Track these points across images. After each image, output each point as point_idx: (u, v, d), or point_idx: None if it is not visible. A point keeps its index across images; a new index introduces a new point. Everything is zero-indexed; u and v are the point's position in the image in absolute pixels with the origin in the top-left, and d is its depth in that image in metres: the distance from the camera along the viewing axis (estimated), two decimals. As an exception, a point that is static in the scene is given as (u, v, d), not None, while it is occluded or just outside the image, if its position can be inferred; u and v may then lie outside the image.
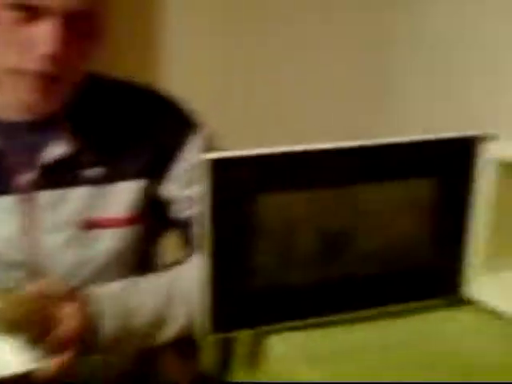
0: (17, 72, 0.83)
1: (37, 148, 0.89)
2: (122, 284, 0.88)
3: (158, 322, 0.87)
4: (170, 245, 1.06)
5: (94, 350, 0.83)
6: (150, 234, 0.99)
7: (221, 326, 0.74)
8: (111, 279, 0.89)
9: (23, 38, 0.81)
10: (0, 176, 0.88)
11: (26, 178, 0.88)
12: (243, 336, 0.78)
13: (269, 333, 0.77)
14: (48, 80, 0.83)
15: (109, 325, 0.83)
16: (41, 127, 0.89)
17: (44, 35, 0.80)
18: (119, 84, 0.98)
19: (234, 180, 0.71)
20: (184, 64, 1.75)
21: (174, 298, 0.88)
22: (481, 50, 1.35)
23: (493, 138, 0.80)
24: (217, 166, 0.69)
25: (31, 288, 0.80)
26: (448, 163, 0.80)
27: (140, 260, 0.97)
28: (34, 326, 0.76)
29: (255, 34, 1.78)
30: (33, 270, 0.89)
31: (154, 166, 0.94)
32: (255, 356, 0.78)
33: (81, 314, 0.80)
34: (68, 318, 0.79)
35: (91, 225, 0.91)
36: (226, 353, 0.85)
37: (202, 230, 0.70)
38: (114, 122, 0.94)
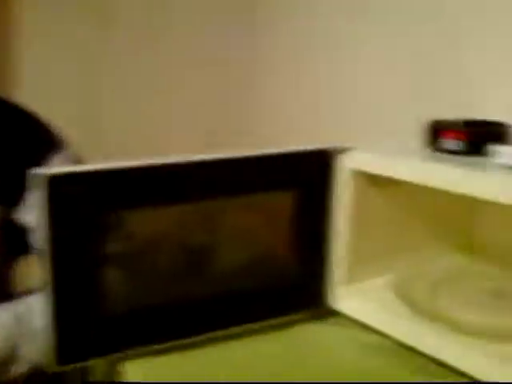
0: None
1: None
2: None
3: (6, 360, 0.81)
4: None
5: None
6: (5, 260, 0.92)
7: (71, 357, 0.70)
8: None
9: None
10: None
11: None
12: (97, 365, 0.73)
13: (125, 359, 0.73)
14: None
15: None
16: None
17: None
18: None
19: (74, 198, 0.65)
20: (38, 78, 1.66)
21: (23, 336, 0.82)
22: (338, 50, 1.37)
23: (348, 149, 0.80)
24: (54, 182, 0.62)
25: None
26: (307, 175, 0.80)
27: None
28: None
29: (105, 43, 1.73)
30: None
31: (11, 192, 0.86)
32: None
33: None
34: None
35: None
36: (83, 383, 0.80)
37: (43, 256, 0.65)
38: None
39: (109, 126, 1.75)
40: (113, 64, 1.75)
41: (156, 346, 0.74)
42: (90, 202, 0.66)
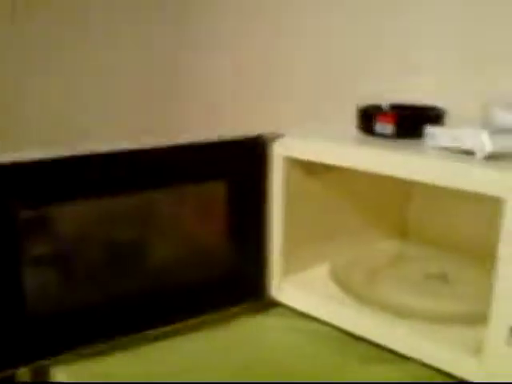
0: None
1: None
2: None
3: None
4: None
5: None
6: None
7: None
8: None
9: None
10: None
11: None
12: (21, 373, 0.69)
13: (51, 365, 0.69)
14: None
15: None
16: None
17: None
18: None
19: None
20: None
21: None
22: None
23: (280, 136, 0.78)
24: None
25: None
26: (238, 164, 0.78)
27: None
28: None
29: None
30: None
31: None
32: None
33: None
34: None
35: None
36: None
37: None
38: None
39: (32, 115, 1.68)
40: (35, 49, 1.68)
41: (89, 348, 0.70)
42: (9, 196, 0.62)
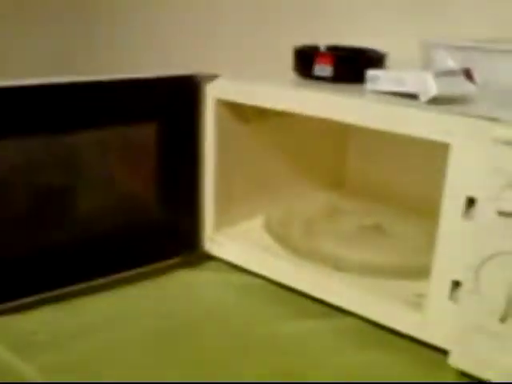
0: None
1: None
2: None
3: None
4: None
5: None
6: None
7: None
8: None
9: None
10: None
11: None
12: None
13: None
14: None
15: None
16: None
17: None
18: None
19: None
20: None
21: None
22: None
23: (214, 77, 0.73)
24: None
25: None
26: (169, 104, 0.72)
27: None
28: None
29: None
30: None
31: None
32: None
33: None
34: None
35: None
36: None
37: None
38: None
39: None
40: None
41: (16, 302, 0.65)
42: None
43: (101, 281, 0.72)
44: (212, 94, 0.73)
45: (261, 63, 1.09)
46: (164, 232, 0.76)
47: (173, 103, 0.72)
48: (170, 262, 0.78)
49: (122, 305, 0.70)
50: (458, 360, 0.58)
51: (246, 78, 0.73)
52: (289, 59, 0.76)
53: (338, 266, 0.72)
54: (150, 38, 1.36)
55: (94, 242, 0.71)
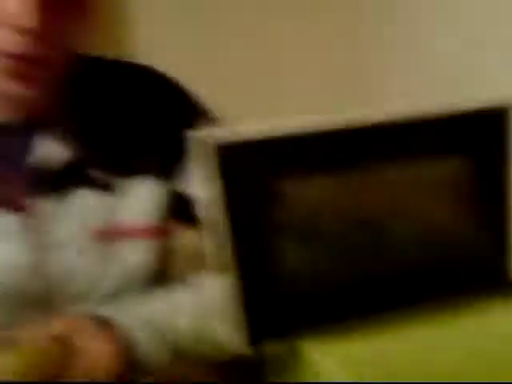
0: None
1: (26, 152, 0.76)
2: (151, 304, 0.80)
3: (196, 341, 0.81)
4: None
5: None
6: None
7: (257, 337, 0.68)
8: (132, 295, 0.82)
9: None
10: None
11: (18, 189, 0.76)
12: (274, 347, 0.71)
13: (302, 340, 0.69)
14: (29, 63, 0.69)
15: (146, 353, 0.76)
16: (33, 127, 0.76)
17: (19, 5, 0.64)
18: (119, 67, 0.85)
19: (243, 165, 0.61)
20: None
21: (209, 315, 0.80)
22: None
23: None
24: (223, 151, 0.59)
25: (49, 330, 0.71)
26: (479, 137, 0.73)
27: (160, 270, 0.88)
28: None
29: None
30: (46, 298, 0.80)
31: (167, 159, 0.83)
32: (288, 366, 0.71)
33: (113, 352, 0.72)
34: (98, 359, 0.71)
35: (105, 236, 0.80)
36: (259, 365, 0.78)
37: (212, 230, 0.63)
38: (118, 114, 0.82)
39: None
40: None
41: (333, 327, 0.70)
42: (260, 169, 0.63)
43: (412, 309, 0.74)
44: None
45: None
46: (470, 262, 0.77)
47: (482, 136, 0.73)
48: (477, 293, 0.77)
49: (435, 336, 0.71)
50: None
51: None
52: None
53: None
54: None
55: (407, 272, 0.74)
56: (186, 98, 0.87)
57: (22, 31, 0.66)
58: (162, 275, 0.89)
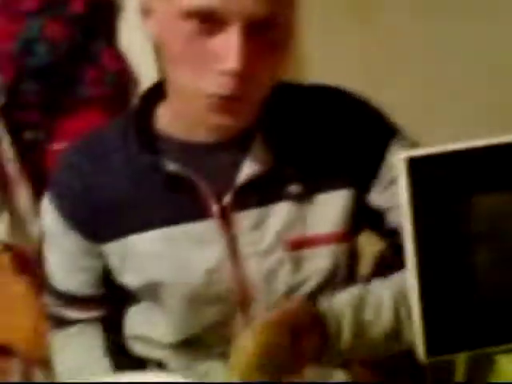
0: (195, 91, 0.74)
1: (230, 168, 0.82)
2: (354, 297, 0.82)
3: (392, 334, 0.81)
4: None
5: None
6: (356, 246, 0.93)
7: (439, 349, 0.66)
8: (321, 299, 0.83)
9: (201, 51, 0.71)
10: (193, 202, 0.82)
11: (222, 201, 0.82)
12: (461, 360, 0.68)
13: (494, 354, 0.66)
14: (231, 101, 0.74)
15: (346, 342, 0.78)
16: (231, 146, 0.83)
17: (227, 48, 0.69)
18: (309, 89, 0.89)
19: (434, 180, 0.63)
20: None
21: (401, 311, 0.80)
22: None
23: None
24: (416, 164, 0.61)
25: (273, 317, 0.76)
26: None
27: (348, 274, 0.90)
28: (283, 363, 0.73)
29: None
30: (240, 301, 0.85)
31: (358, 174, 0.86)
32: (476, 381, 0.68)
33: (322, 336, 0.77)
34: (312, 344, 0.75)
35: (299, 244, 0.84)
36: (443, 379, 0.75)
37: (407, 241, 0.63)
38: (310, 131, 0.85)
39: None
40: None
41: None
42: (449, 184, 0.63)
43: None
44: None
45: None
46: None
47: None
48: None
49: None
50: None
51: None
52: None
53: None
54: None
55: None
56: (381, 118, 0.89)
57: (228, 74, 0.70)
58: (349, 279, 0.90)
